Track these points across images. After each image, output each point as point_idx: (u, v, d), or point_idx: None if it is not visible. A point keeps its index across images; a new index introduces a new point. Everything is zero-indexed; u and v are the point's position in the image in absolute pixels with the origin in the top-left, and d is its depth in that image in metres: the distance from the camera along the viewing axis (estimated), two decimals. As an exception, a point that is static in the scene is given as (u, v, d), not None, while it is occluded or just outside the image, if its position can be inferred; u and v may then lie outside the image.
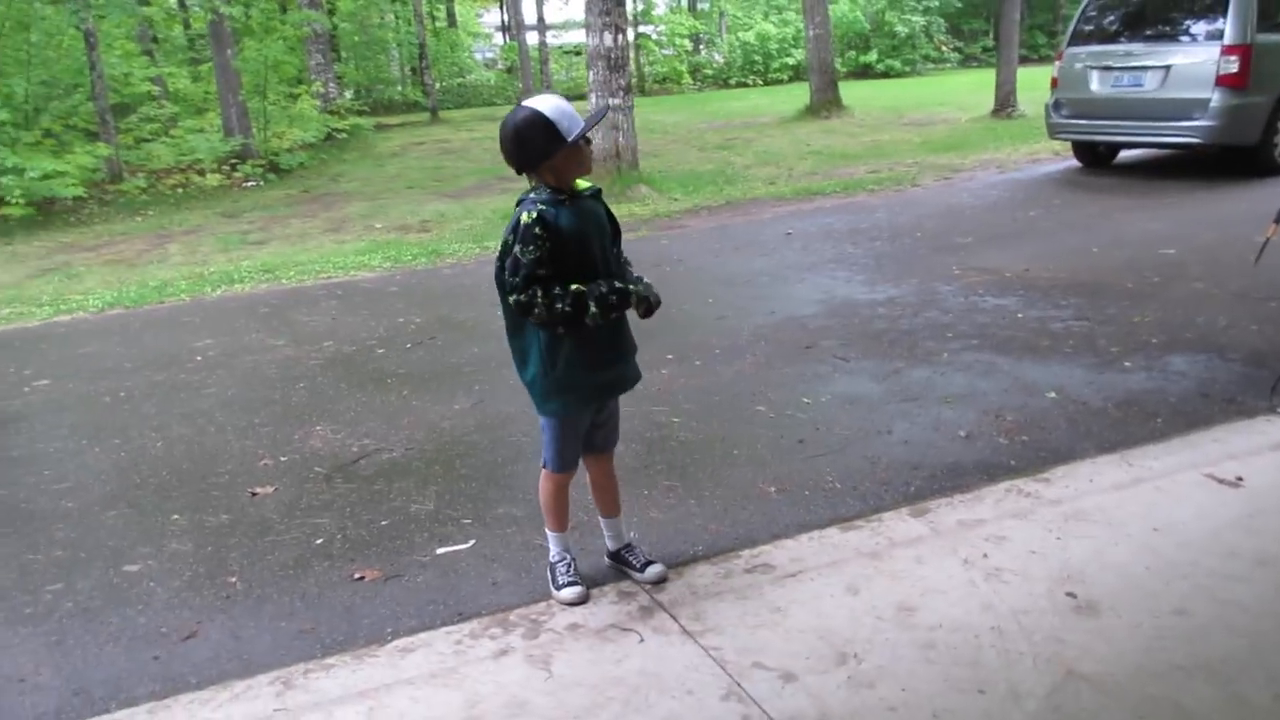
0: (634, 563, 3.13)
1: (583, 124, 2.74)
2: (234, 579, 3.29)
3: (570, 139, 2.70)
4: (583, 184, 2.89)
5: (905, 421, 4.24)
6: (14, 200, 11.29)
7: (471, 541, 3.44)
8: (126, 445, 4.56)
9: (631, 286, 2.81)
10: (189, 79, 19.48)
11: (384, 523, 3.63)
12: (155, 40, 19.84)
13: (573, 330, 2.77)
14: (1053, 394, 4.46)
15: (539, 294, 2.71)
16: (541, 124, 2.70)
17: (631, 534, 3.29)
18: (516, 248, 2.72)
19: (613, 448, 3.15)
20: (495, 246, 3.24)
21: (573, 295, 2.72)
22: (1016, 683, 2.52)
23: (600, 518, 3.20)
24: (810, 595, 2.97)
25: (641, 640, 2.80)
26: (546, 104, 2.73)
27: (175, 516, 3.79)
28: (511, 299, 2.74)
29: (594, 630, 2.86)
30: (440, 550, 3.40)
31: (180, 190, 13.83)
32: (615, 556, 3.19)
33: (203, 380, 5.44)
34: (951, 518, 3.38)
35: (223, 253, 9.68)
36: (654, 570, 3.09)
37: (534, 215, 2.73)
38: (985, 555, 3.12)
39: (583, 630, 2.87)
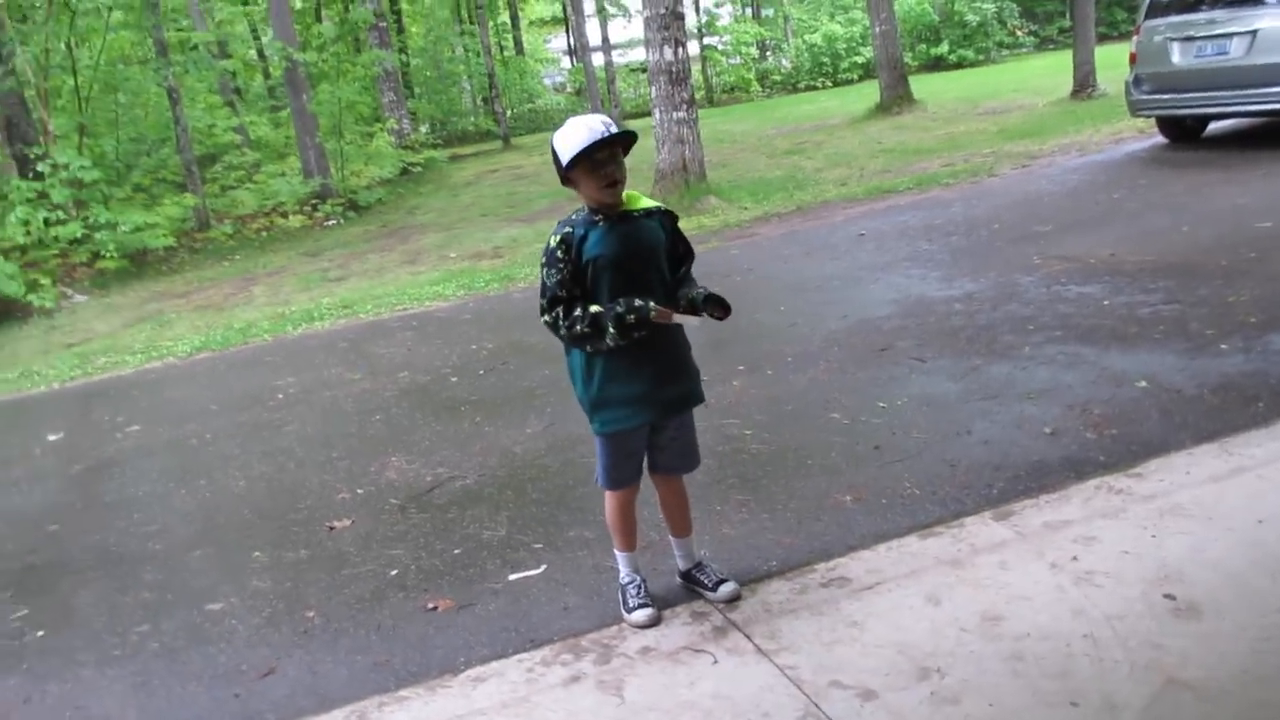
0: (706, 582, 3.05)
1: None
2: (312, 614, 3.32)
3: (564, 163, 2.69)
4: (645, 203, 2.83)
5: (986, 421, 4.09)
6: (109, 254, 11.76)
7: (543, 566, 3.41)
8: (211, 486, 4.66)
9: (647, 303, 2.71)
10: (270, 125, 20.16)
11: (457, 551, 3.62)
12: (237, 91, 20.59)
13: (607, 349, 2.74)
14: (1143, 383, 4.25)
15: (560, 315, 2.69)
16: (552, 149, 2.73)
17: (703, 552, 3.22)
18: (543, 270, 2.72)
19: (684, 472, 3.08)
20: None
21: (590, 316, 2.69)
22: (1112, 693, 2.37)
23: (670, 537, 3.15)
24: (889, 607, 2.86)
25: (715, 662, 2.73)
26: (564, 131, 2.71)
27: (256, 554, 3.85)
28: (541, 320, 2.76)
29: (666, 653, 2.80)
30: (512, 576, 3.38)
31: (265, 233, 14.26)
32: (687, 576, 3.12)
33: (283, 418, 5.54)
34: (1037, 520, 3.23)
35: (304, 291, 9.91)
36: (726, 589, 3.01)
37: (558, 238, 2.74)
38: (1074, 558, 2.96)
39: (655, 653, 2.81)
